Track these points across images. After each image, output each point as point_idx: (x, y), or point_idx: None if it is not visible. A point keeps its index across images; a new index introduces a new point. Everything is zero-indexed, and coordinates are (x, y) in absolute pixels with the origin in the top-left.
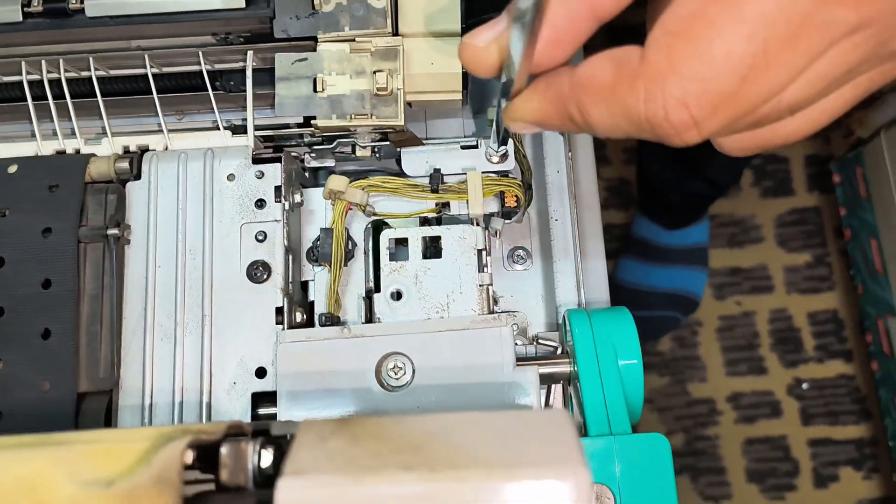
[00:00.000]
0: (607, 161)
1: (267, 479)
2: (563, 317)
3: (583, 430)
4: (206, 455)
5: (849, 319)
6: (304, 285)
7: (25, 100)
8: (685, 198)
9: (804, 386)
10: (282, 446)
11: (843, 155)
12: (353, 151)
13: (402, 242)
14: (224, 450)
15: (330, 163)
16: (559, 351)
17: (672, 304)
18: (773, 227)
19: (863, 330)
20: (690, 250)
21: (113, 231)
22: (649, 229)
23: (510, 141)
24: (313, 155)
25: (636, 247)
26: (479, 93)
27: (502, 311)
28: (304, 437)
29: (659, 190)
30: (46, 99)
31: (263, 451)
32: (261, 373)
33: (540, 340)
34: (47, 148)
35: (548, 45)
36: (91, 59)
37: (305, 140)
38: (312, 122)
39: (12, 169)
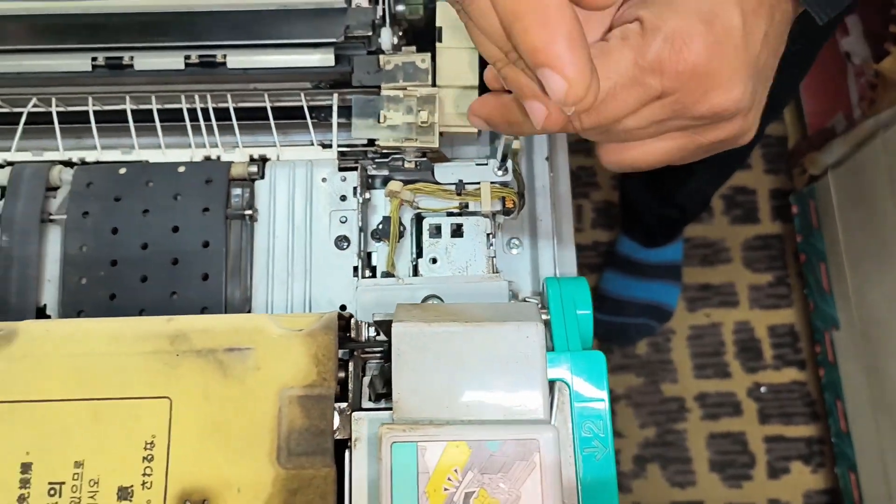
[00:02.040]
0: (597, 186)
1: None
2: (543, 283)
3: (551, 347)
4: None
5: (803, 333)
6: (369, 255)
7: (184, 121)
8: (660, 221)
9: (762, 389)
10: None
11: (800, 190)
12: (402, 164)
13: (437, 227)
14: (352, 322)
15: (385, 172)
16: (539, 307)
17: (648, 313)
18: (741, 250)
19: (814, 342)
20: (666, 267)
21: (247, 212)
22: (630, 247)
23: (510, 161)
24: (374, 166)
25: (618, 262)
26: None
27: None
28: (400, 310)
29: (638, 213)
30: (198, 121)
31: (370, 328)
32: (343, 308)
33: (526, 299)
34: (198, 154)
35: None
36: (229, 95)
37: (369, 156)
38: (376, 142)
39: (181, 169)
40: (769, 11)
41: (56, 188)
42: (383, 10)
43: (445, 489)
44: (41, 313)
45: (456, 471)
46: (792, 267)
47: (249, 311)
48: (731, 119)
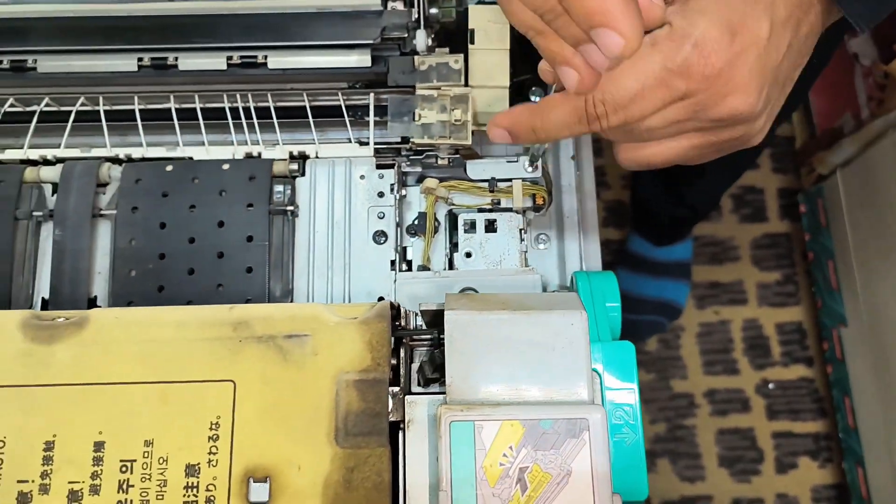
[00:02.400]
0: (607, 186)
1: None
2: (572, 277)
3: None
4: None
5: (811, 330)
6: (404, 250)
7: (226, 119)
8: (671, 220)
9: (770, 386)
10: (426, 316)
11: (808, 189)
12: (436, 161)
13: (471, 222)
14: (402, 311)
15: (418, 169)
16: None
17: (659, 310)
18: (749, 248)
19: (821, 339)
20: (676, 265)
21: (289, 208)
22: (641, 245)
23: (539, 160)
24: (407, 163)
25: (629, 260)
26: None
27: None
28: (450, 299)
29: (649, 212)
30: (241, 119)
31: (418, 316)
32: (380, 299)
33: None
34: (240, 152)
35: None
36: (269, 94)
37: (403, 153)
38: (410, 140)
39: (226, 166)
40: (796, 24)
41: (105, 184)
42: (418, 12)
43: (501, 464)
44: (92, 304)
45: (511, 447)
46: (800, 265)
47: (291, 302)
48: (745, 122)
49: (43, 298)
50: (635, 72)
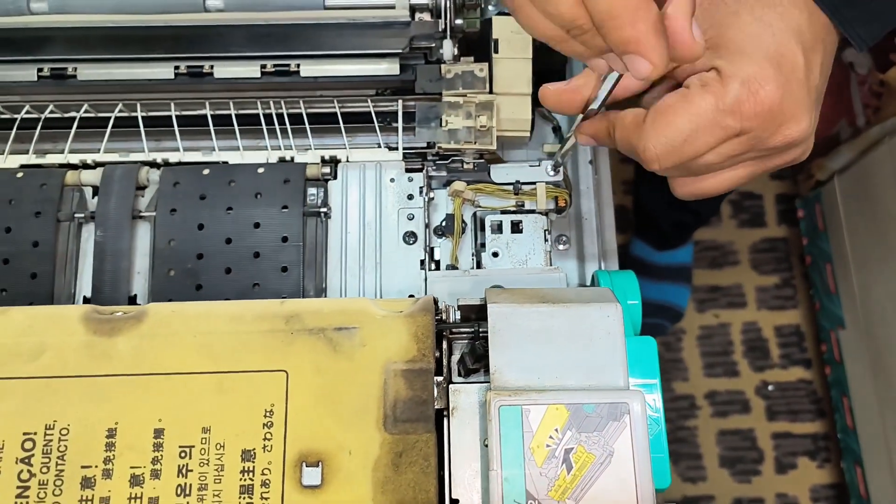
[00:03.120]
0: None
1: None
2: (593, 275)
3: None
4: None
5: (809, 333)
6: (432, 250)
7: (260, 124)
8: (673, 225)
9: (770, 387)
10: (464, 311)
11: (806, 194)
12: (462, 166)
13: (498, 224)
14: (441, 306)
15: (444, 173)
16: None
17: (660, 313)
18: (748, 252)
19: (819, 341)
20: (677, 269)
21: (322, 210)
22: (643, 250)
23: (561, 165)
24: (434, 167)
25: (632, 264)
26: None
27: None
28: (491, 294)
29: (651, 217)
30: (274, 125)
31: (456, 312)
32: (411, 296)
33: None
34: (273, 156)
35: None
36: (301, 101)
37: (430, 157)
38: (437, 145)
39: (261, 170)
40: (822, 44)
41: (144, 187)
42: (444, 23)
43: (548, 446)
44: (132, 302)
45: (556, 430)
46: (798, 269)
47: None
48: (799, 144)
49: (84, 297)
50: (689, 113)
